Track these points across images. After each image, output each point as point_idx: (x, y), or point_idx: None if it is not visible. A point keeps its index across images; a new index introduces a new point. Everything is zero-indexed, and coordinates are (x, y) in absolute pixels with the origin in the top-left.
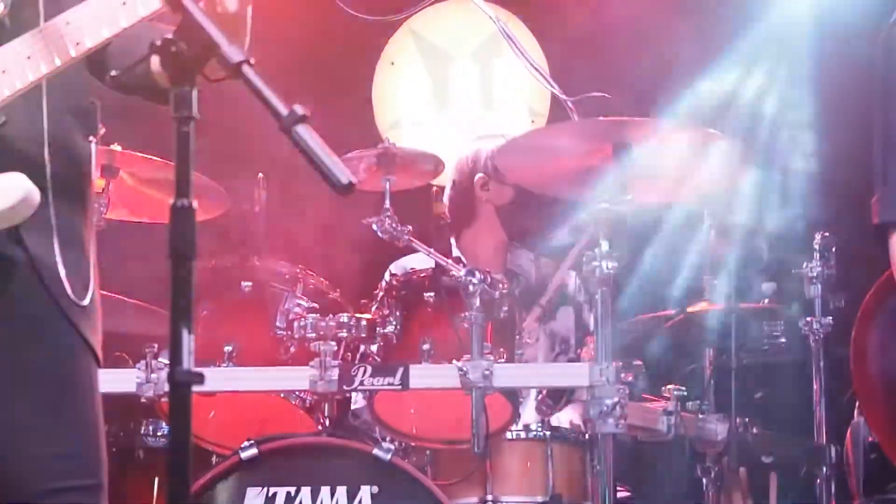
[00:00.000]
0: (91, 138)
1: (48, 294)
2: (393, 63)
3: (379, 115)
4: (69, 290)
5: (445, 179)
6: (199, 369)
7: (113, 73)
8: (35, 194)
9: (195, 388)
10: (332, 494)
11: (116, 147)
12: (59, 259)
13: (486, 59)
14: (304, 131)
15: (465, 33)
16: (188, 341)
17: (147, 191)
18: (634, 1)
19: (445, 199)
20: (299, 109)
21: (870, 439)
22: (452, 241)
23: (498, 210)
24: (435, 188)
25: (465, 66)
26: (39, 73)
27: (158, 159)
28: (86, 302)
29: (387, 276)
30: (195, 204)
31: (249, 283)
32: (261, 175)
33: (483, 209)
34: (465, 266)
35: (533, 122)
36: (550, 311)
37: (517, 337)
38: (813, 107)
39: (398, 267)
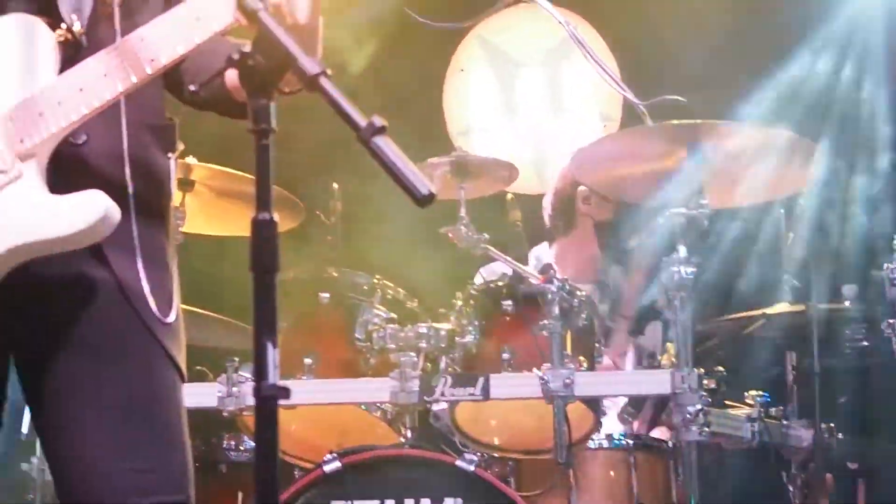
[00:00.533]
0: (170, 155)
1: (134, 312)
2: (462, 70)
3: (449, 122)
4: (154, 308)
5: (519, 186)
6: (283, 383)
7: (192, 87)
8: (115, 212)
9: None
10: None
11: (192, 160)
12: (143, 277)
13: (555, 64)
14: (383, 142)
15: (534, 39)
16: (273, 355)
17: (223, 202)
18: (704, 1)
19: (545, 203)
20: (377, 121)
21: None
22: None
23: (596, 225)
24: (510, 195)
25: (534, 71)
26: (116, 91)
27: (234, 171)
28: (170, 319)
29: (478, 279)
30: (276, 217)
31: (327, 295)
32: (335, 185)
33: (582, 221)
34: (555, 274)
35: (605, 126)
36: (639, 325)
37: (597, 345)
38: (892, 103)
39: (488, 271)
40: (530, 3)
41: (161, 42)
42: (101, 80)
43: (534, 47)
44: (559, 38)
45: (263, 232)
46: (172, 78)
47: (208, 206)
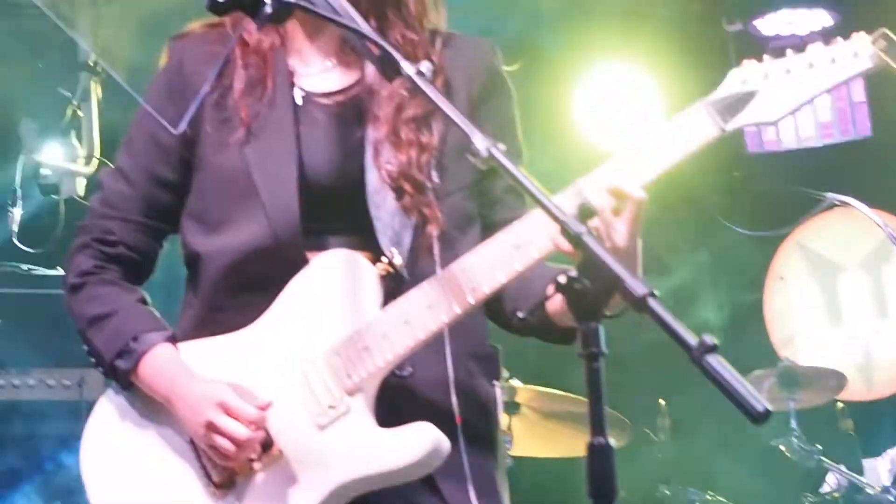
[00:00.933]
0: (495, 382)
1: None
2: (782, 278)
3: (771, 331)
4: None
5: (848, 394)
6: None
7: (520, 315)
8: (445, 444)
9: None
10: None
11: (516, 382)
12: None
13: (876, 266)
14: (716, 361)
15: (853, 242)
16: None
17: (549, 423)
18: None
19: None
20: (708, 340)
21: None
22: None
23: None
24: (839, 404)
25: (855, 275)
26: (440, 322)
27: (558, 392)
28: None
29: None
30: (612, 442)
31: None
32: (662, 402)
33: None
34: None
35: None
36: None
37: None
38: None
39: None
40: (846, 206)
41: (482, 271)
42: (425, 312)
43: (853, 251)
44: (878, 239)
45: (600, 457)
46: (491, 305)
47: (535, 428)
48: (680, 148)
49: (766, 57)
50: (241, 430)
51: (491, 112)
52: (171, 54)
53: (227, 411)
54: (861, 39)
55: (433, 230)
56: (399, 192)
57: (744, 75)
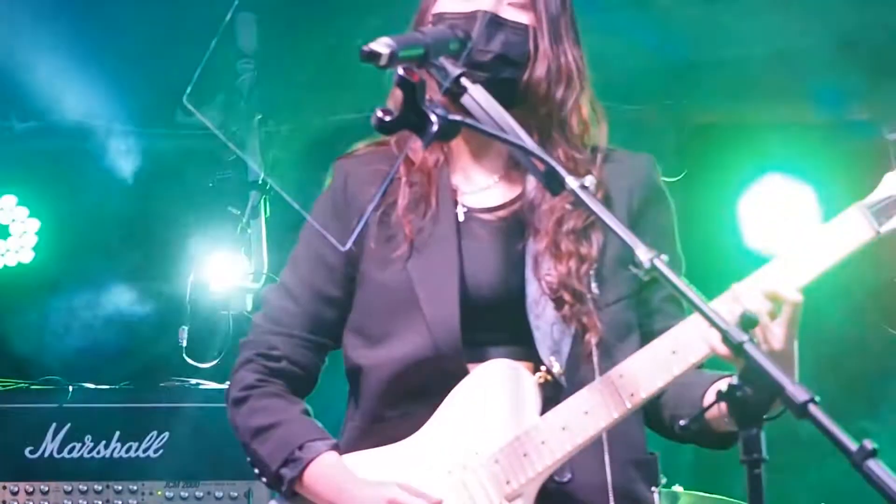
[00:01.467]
0: (653, 489)
1: None
2: None
3: None
4: None
5: None
6: None
7: (682, 423)
8: None
9: None
10: None
11: (678, 488)
12: None
13: None
14: (876, 466)
15: None
16: None
17: None
18: None
19: None
20: (868, 444)
21: None
22: None
23: None
24: None
25: None
26: (598, 428)
27: (721, 497)
28: None
29: None
30: None
31: None
32: None
33: None
34: None
35: None
36: None
37: None
38: None
39: None
40: None
41: (640, 377)
42: (583, 418)
43: None
44: None
45: None
46: (650, 413)
47: None
48: (835, 250)
49: None
50: None
51: (650, 223)
52: (337, 174)
53: None
54: None
55: (592, 339)
56: (559, 303)
57: None
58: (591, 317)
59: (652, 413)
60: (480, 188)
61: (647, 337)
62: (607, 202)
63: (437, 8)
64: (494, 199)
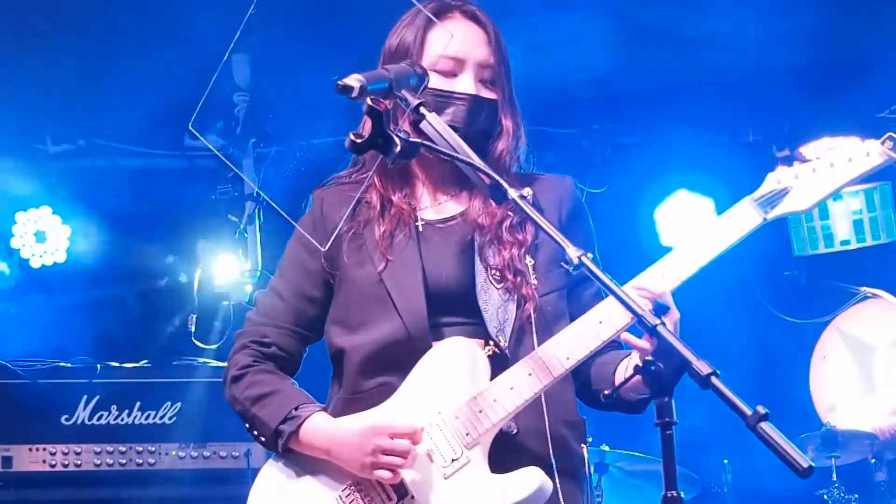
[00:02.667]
0: (582, 445)
1: None
2: (825, 357)
3: (816, 400)
4: None
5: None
6: None
7: (605, 393)
8: (548, 483)
9: None
10: None
11: (605, 447)
12: None
13: None
14: (768, 427)
15: (883, 326)
16: None
17: (633, 480)
18: None
19: None
20: (761, 409)
21: None
22: None
23: None
24: (873, 460)
25: (886, 353)
26: (540, 385)
27: (640, 454)
28: None
29: None
30: (682, 495)
31: None
32: (726, 461)
33: None
34: None
35: None
36: None
37: None
38: None
39: None
40: (878, 298)
41: (573, 342)
42: (527, 379)
43: (884, 333)
44: None
45: None
46: (580, 390)
47: (620, 484)
48: (731, 234)
49: (795, 162)
50: (404, 443)
51: (575, 231)
52: (314, 201)
53: (386, 432)
54: (872, 142)
55: (531, 307)
56: (503, 281)
57: (779, 177)
58: (529, 288)
59: (581, 389)
60: (434, 205)
61: None
62: (540, 213)
63: (431, 83)
64: (446, 213)
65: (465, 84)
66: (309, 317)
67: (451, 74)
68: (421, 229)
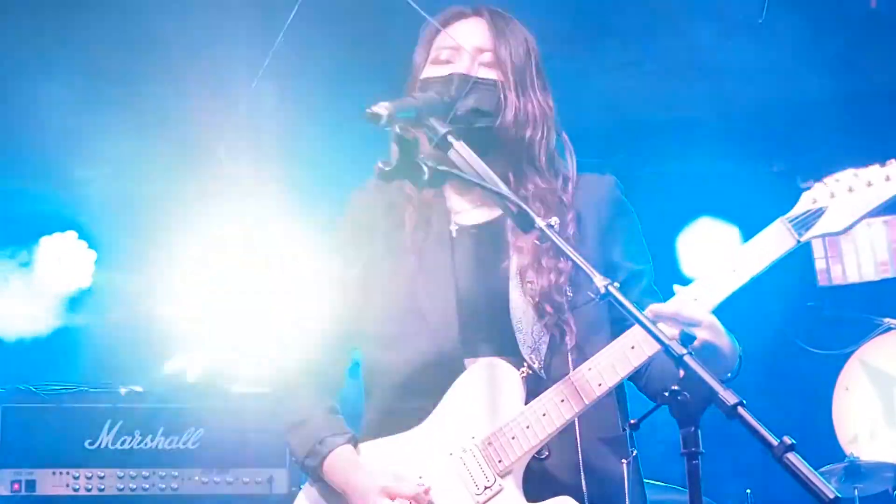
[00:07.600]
0: (623, 461)
1: None
2: (847, 388)
3: (839, 431)
4: None
5: None
6: None
7: (674, 388)
8: None
9: None
10: None
11: None
12: None
13: None
14: (794, 458)
15: None
16: None
17: None
18: None
19: None
20: (787, 440)
21: None
22: None
23: None
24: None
25: None
26: (572, 413)
27: (657, 482)
28: None
29: None
30: None
31: None
32: (749, 491)
33: None
34: None
35: None
36: None
37: None
38: None
39: None
40: None
41: (606, 369)
42: (560, 405)
43: None
44: None
45: None
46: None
47: None
48: (764, 257)
49: (831, 179)
50: None
51: (620, 231)
52: (351, 204)
53: (389, 494)
54: None
55: (569, 341)
56: (540, 311)
57: (814, 195)
58: (568, 325)
59: (647, 386)
60: (470, 209)
61: (623, 330)
62: (579, 220)
63: (424, 74)
64: (482, 218)
65: (459, 68)
66: (347, 332)
67: (447, 63)
68: (455, 234)
